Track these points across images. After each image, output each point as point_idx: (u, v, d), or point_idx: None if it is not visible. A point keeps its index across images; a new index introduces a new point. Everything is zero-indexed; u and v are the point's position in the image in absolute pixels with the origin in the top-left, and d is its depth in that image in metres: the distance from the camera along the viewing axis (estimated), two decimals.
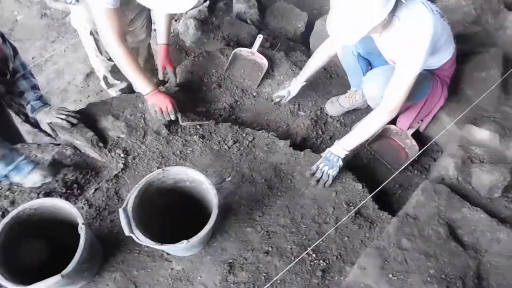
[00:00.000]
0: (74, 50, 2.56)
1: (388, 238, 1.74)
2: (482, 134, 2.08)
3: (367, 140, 2.23)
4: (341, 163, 1.93)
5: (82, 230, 1.47)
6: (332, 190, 1.95)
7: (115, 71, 2.64)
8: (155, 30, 2.44)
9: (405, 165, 2.16)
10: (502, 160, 2.02)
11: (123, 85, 2.80)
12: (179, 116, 2.10)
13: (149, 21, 2.48)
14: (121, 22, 1.92)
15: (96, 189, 1.94)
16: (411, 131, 2.26)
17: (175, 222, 1.75)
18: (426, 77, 2.00)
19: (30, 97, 2.04)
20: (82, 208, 1.87)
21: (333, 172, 1.93)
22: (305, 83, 2.29)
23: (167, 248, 1.47)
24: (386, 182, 1.92)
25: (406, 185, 2.19)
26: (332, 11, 1.69)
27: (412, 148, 2.24)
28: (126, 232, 1.47)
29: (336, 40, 1.73)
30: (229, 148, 2.10)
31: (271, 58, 2.57)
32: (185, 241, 1.46)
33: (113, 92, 2.78)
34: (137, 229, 1.48)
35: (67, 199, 1.86)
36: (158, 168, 2.01)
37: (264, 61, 2.50)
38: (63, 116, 2.01)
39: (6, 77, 1.95)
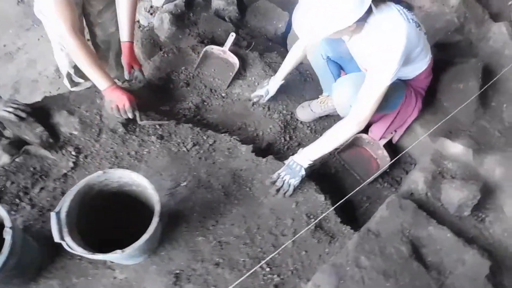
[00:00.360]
0: (48, 40, 2.44)
1: (347, 255, 1.64)
2: (456, 149, 1.98)
3: (336, 149, 2.13)
4: (303, 172, 1.82)
5: (7, 235, 1.36)
6: (293, 201, 1.84)
7: (78, 68, 2.52)
8: None
9: (374, 177, 2.06)
10: (474, 177, 1.92)
11: (88, 84, 2.68)
12: (137, 115, 1.99)
13: None
14: (74, 13, 1.80)
15: (41, 188, 1.82)
16: (384, 141, 2.15)
17: (125, 227, 1.64)
18: (399, 87, 1.90)
19: None
20: (24, 208, 1.76)
21: (294, 181, 1.82)
22: (283, 81, 2.20)
23: (99, 257, 1.36)
24: (350, 195, 1.80)
25: (375, 198, 2.09)
26: (300, 4, 1.58)
27: (383, 159, 2.14)
28: (56, 238, 1.35)
29: (298, 36, 1.62)
30: (188, 151, 1.98)
31: (244, 58, 2.46)
32: (119, 251, 1.34)
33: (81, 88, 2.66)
34: (68, 236, 1.37)
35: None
36: (110, 168, 1.90)
37: (235, 61, 2.38)
38: (11, 110, 1.88)
39: None
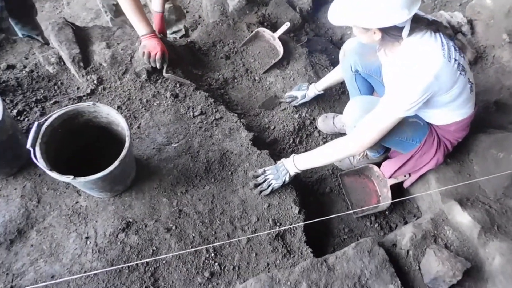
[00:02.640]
0: None
1: (289, 275, 1.56)
2: (463, 219, 1.75)
3: (340, 170, 2.01)
4: (287, 178, 1.74)
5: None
6: (266, 201, 1.78)
7: (115, 17, 2.66)
8: None
9: (364, 214, 1.92)
10: (470, 256, 1.69)
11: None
12: (165, 67, 2.05)
13: None
14: None
15: (56, 102, 1.97)
16: (393, 181, 1.98)
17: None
18: (419, 128, 1.72)
19: None
20: (35, 113, 1.93)
21: (275, 183, 1.75)
22: (322, 92, 2.14)
23: (54, 175, 1.44)
24: (319, 219, 1.70)
25: (357, 234, 1.95)
26: None
27: (385, 199, 1.97)
28: (28, 145, 1.46)
29: (328, 18, 1.50)
30: (193, 117, 2.01)
31: (292, 50, 2.40)
32: (71, 177, 1.42)
33: None
34: (39, 148, 1.47)
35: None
36: (118, 107, 1.99)
37: (281, 50, 2.33)
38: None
39: None
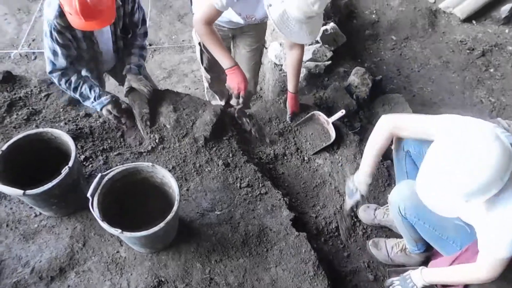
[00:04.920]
0: None
1: None
2: None
3: (374, 264, 1.97)
4: None
5: (64, 171, 1.68)
6: (296, 285, 1.77)
7: (212, 83, 2.91)
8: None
9: None
10: None
11: (220, 103, 3.05)
12: (240, 101, 2.26)
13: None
14: (217, 18, 2.08)
15: (119, 154, 2.16)
16: None
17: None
18: (463, 232, 1.65)
19: (134, 61, 2.31)
20: (99, 161, 2.11)
21: None
22: (371, 181, 1.95)
23: (105, 226, 1.56)
24: None
25: None
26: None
27: None
28: (88, 193, 1.60)
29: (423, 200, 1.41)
30: (240, 188, 2.09)
31: (344, 136, 2.47)
32: (119, 230, 1.52)
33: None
34: (97, 198, 1.61)
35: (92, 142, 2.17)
36: (173, 167, 2.13)
37: (333, 135, 2.41)
38: (148, 88, 2.28)
39: (128, 36, 2.29)
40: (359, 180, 1.88)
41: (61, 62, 2.04)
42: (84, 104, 2.24)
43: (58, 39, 1.96)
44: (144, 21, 2.31)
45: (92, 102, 2.17)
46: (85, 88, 2.15)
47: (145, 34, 2.36)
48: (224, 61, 2.15)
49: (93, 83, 2.22)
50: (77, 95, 2.16)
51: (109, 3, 1.87)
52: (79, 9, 1.74)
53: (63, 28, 1.94)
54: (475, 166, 1.19)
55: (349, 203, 1.94)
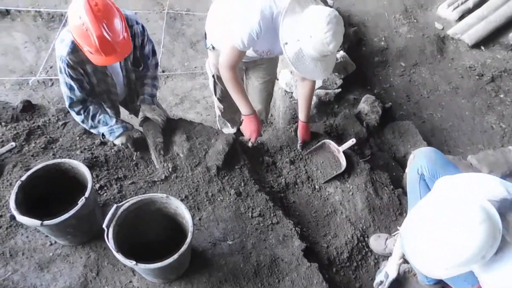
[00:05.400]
0: None
1: None
2: None
3: None
4: None
5: (81, 201, 1.72)
6: None
7: (224, 112, 2.96)
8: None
9: None
10: None
11: (232, 131, 3.11)
12: (255, 144, 2.45)
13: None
14: (241, 59, 2.18)
15: (133, 182, 2.20)
16: None
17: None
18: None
19: (147, 92, 2.38)
20: (114, 190, 2.15)
21: None
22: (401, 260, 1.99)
23: (118, 256, 1.58)
24: None
25: None
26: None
27: None
28: (104, 224, 1.64)
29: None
30: (252, 217, 2.11)
31: (354, 165, 2.49)
32: (134, 262, 1.55)
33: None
34: (112, 229, 1.64)
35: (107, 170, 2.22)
36: (185, 197, 2.16)
37: (344, 164, 2.43)
38: (162, 118, 2.33)
39: (139, 68, 2.39)
40: (392, 273, 1.97)
41: (78, 94, 2.11)
42: (99, 133, 2.30)
43: (72, 74, 2.03)
44: (154, 52, 2.38)
45: (110, 131, 2.23)
46: (102, 117, 2.21)
47: (156, 65, 2.43)
48: (243, 108, 2.28)
49: (108, 113, 2.29)
50: (95, 122, 2.21)
51: (125, 34, 1.93)
52: (99, 46, 1.80)
53: (76, 64, 2.02)
54: (455, 245, 1.18)
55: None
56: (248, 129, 2.35)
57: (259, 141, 2.51)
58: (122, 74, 2.29)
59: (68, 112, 2.56)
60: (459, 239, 1.18)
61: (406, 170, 2.05)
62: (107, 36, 1.82)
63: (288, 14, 1.83)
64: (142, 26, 2.18)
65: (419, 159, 1.94)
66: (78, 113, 2.18)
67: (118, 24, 1.88)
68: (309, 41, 1.77)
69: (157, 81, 2.46)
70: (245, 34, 1.94)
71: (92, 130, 2.28)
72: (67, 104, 2.16)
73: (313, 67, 1.87)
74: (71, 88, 2.08)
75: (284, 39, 1.86)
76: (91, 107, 2.19)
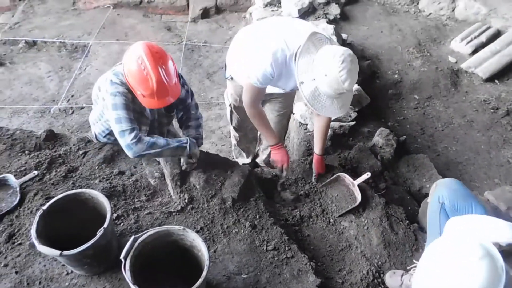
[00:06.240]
0: None
1: None
2: None
3: None
4: None
5: (99, 232, 1.75)
6: None
7: (240, 142, 3.01)
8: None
9: None
10: None
11: (247, 160, 3.15)
12: (285, 174, 2.50)
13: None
14: (262, 95, 2.26)
15: (149, 213, 2.23)
16: None
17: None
18: None
19: (191, 134, 2.31)
20: (130, 220, 2.18)
21: None
22: None
23: None
24: None
25: None
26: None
27: None
28: (121, 256, 1.66)
29: None
30: (266, 251, 2.11)
31: (369, 199, 2.48)
32: None
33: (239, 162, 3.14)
34: (129, 260, 1.66)
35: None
36: (201, 228, 2.18)
37: (359, 197, 2.43)
38: (192, 167, 2.34)
39: (171, 113, 2.37)
40: None
41: (134, 124, 2.01)
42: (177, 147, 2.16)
43: (131, 105, 2.01)
44: (192, 94, 2.38)
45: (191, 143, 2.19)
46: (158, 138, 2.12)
47: (197, 106, 2.42)
48: (270, 140, 2.39)
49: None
50: (161, 140, 2.09)
51: (176, 79, 1.97)
52: (156, 90, 1.85)
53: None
54: (460, 284, 1.21)
55: None
56: (277, 159, 2.43)
57: (285, 175, 2.55)
58: (154, 117, 2.28)
59: (89, 141, 2.64)
60: (463, 277, 1.22)
61: (428, 199, 2.06)
62: (165, 81, 1.87)
63: (303, 54, 1.90)
64: (179, 75, 2.16)
65: (441, 188, 1.99)
66: (143, 139, 2.01)
67: (172, 67, 1.93)
68: (324, 79, 1.82)
69: (201, 120, 2.42)
70: (260, 74, 2.04)
71: (164, 151, 2.08)
72: (131, 140, 1.97)
73: (330, 104, 1.91)
74: (131, 122, 1.99)
75: (300, 79, 1.91)
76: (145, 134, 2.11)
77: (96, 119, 2.33)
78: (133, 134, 1.97)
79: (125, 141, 1.98)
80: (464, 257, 1.23)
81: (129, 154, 2.02)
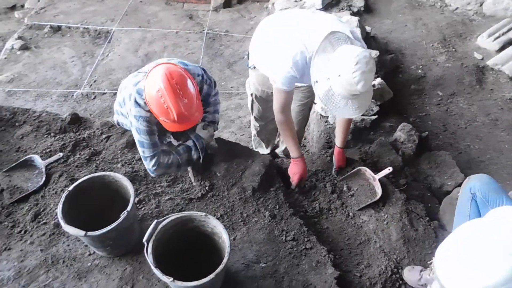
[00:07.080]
0: None
1: None
2: None
3: None
4: None
5: (123, 215, 1.78)
6: None
7: (260, 132, 3.01)
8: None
9: None
10: None
11: (266, 151, 3.14)
12: (296, 188, 2.47)
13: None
14: (291, 98, 2.26)
15: (170, 199, 2.25)
16: None
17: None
18: None
19: (207, 119, 2.32)
20: (152, 205, 2.21)
21: None
22: None
23: (156, 272, 1.61)
24: None
25: None
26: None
27: None
28: (144, 239, 1.69)
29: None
30: (285, 241, 2.11)
31: (389, 194, 2.46)
32: (171, 278, 1.58)
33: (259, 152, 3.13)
34: (151, 243, 1.69)
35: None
36: (221, 216, 2.20)
37: (379, 192, 2.41)
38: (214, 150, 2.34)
39: None
40: None
41: (156, 148, 2.07)
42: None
43: (154, 128, 2.03)
44: (215, 84, 2.36)
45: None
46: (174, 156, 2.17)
47: (217, 92, 2.40)
48: (293, 151, 2.38)
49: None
50: (173, 158, 2.15)
51: (199, 105, 1.96)
52: (177, 120, 1.86)
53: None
54: (482, 271, 1.21)
55: None
56: (295, 171, 2.41)
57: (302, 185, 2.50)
58: None
59: (112, 126, 2.68)
60: (486, 266, 1.21)
61: (451, 195, 2.06)
62: (186, 112, 1.86)
63: (319, 53, 1.88)
64: (202, 75, 2.17)
65: (474, 181, 1.99)
66: (162, 159, 2.10)
67: (192, 94, 1.89)
68: (338, 80, 1.80)
69: (219, 106, 2.43)
70: (283, 78, 2.06)
71: (181, 165, 2.19)
72: (153, 165, 2.07)
73: (344, 105, 1.88)
74: (155, 145, 2.05)
75: (314, 78, 1.90)
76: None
77: (118, 112, 2.33)
78: (153, 161, 2.06)
79: (147, 165, 2.10)
80: (496, 247, 1.21)
81: (151, 175, 2.19)
